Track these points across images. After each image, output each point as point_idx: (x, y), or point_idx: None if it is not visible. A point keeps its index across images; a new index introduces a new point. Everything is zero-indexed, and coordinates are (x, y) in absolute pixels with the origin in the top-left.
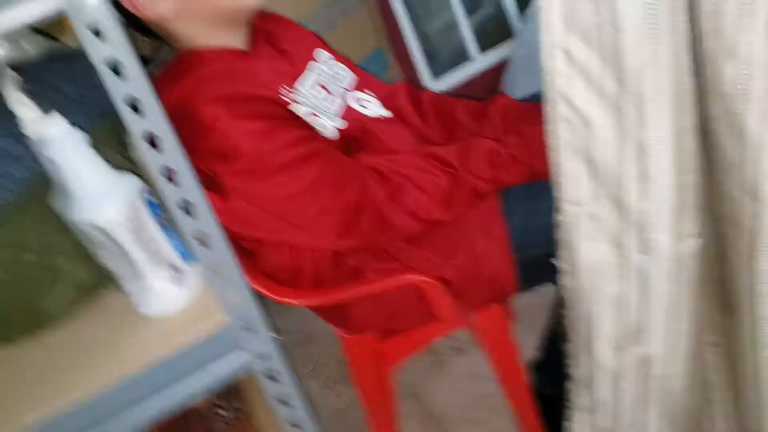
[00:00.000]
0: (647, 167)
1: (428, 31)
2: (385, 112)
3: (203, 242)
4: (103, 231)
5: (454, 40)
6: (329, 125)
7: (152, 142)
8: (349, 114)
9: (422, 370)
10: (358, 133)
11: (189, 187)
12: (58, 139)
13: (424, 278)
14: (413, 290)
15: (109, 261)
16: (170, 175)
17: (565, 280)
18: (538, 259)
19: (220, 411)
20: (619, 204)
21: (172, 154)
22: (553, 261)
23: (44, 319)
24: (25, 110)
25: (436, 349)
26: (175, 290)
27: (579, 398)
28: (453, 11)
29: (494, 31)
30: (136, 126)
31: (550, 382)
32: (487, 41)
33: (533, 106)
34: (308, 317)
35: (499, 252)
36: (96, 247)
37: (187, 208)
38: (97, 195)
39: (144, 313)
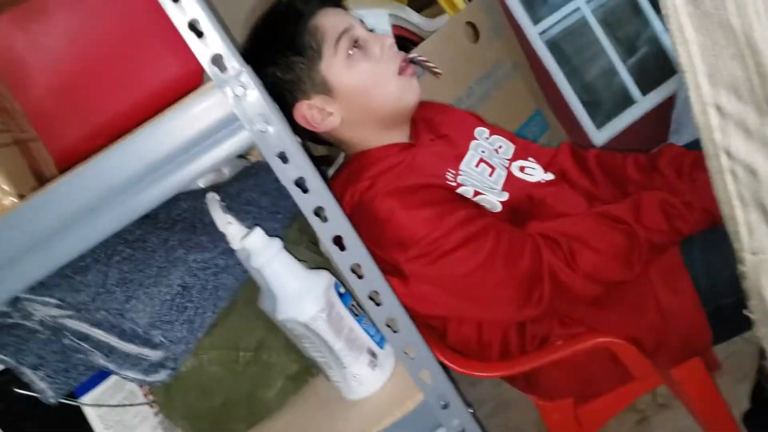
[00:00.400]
0: None
1: (586, 81)
2: (549, 177)
3: (392, 327)
4: (305, 326)
5: (614, 86)
6: (495, 200)
7: (339, 243)
8: (513, 184)
9: (627, 429)
10: (524, 202)
11: (374, 278)
12: (260, 251)
13: (613, 340)
14: (605, 353)
15: (313, 352)
16: (357, 270)
17: (760, 331)
18: (731, 308)
19: None
20: None
21: (357, 250)
22: (744, 312)
23: (262, 410)
24: (231, 228)
25: (638, 407)
26: (373, 373)
27: None
28: (609, 57)
29: (654, 70)
30: (323, 231)
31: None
32: (648, 82)
33: (702, 153)
34: (500, 385)
35: (688, 305)
36: (300, 340)
37: (374, 298)
38: (296, 294)
39: (348, 398)
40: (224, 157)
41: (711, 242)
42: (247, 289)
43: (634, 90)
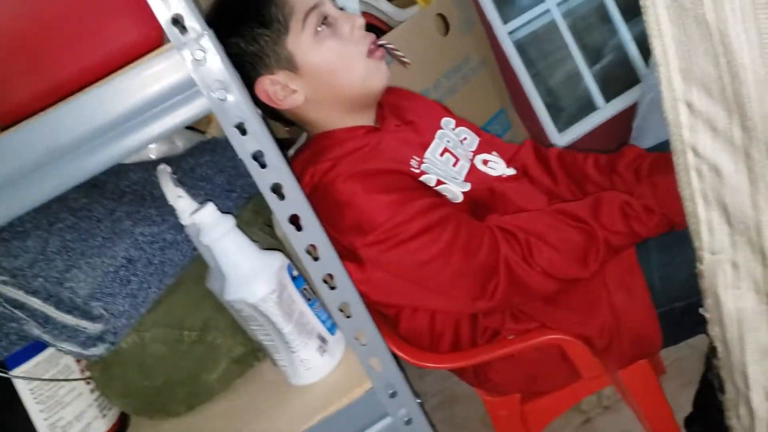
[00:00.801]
0: None
1: (551, 85)
2: (511, 171)
3: (345, 312)
4: (254, 307)
5: (577, 91)
6: (457, 191)
7: (295, 222)
8: (476, 176)
9: (572, 429)
10: (485, 195)
11: (329, 261)
12: (211, 227)
13: (564, 337)
14: (555, 350)
15: (261, 335)
16: (312, 252)
17: (713, 331)
18: (682, 312)
19: None
20: (760, 250)
21: (313, 231)
22: (700, 311)
23: (205, 393)
24: (181, 202)
25: (583, 408)
26: (322, 359)
27: None
28: (575, 62)
29: (619, 78)
30: (279, 210)
31: None
32: (612, 89)
33: (664, 156)
34: (448, 378)
35: (640, 307)
36: (248, 322)
37: (328, 281)
38: (247, 274)
39: (294, 383)
40: (179, 124)
41: (667, 245)
42: (196, 267)
43: (597, 96)
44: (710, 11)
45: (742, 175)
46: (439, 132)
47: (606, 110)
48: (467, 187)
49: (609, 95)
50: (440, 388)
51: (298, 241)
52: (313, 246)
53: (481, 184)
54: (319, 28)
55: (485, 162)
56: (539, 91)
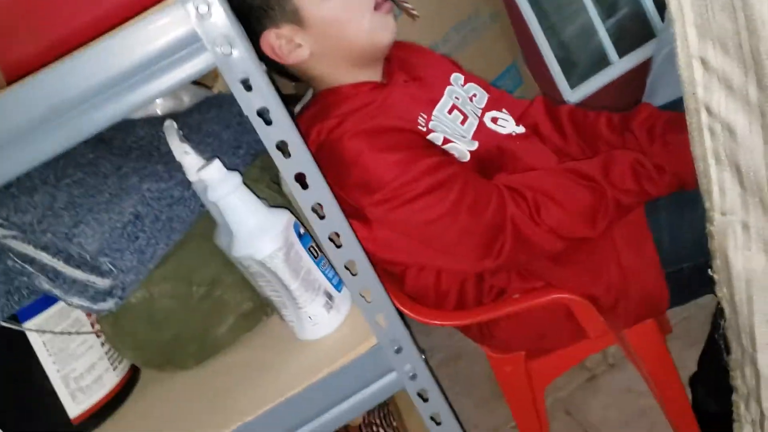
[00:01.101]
0: None
1: (564, 39)
2: (520, 130)
3: (351, 269)
4: (261, 264)
5: (591, 45)
6: (464, 149)
7: (301, 180)
8: (484, 134)
9: (576, 386)
10: (494, 153)
11: (336, 219)
12: (217, 183)
13: (571, 296)
14: (561, 309)
15: (268, 291)
16: (318, 210)
17: (721, 291)
18: (691, 272)
19: (378, 429)
20: None
21: (320, 190)
22: (709, 272)
23: (213, 346)
24: (188, 158)
25: (588, 365)
26: (329, 316)
27: (747, 411)
28: (589, 15)
29: (634, 32)
30: (285, 168)
31: (712, 397)
32: (626, 44)
33: (678, 115)
34: (453, 335)
35: (649, 267)
36: (255, 278)
37: (334, 239)
38: (254, 231)
39: (301, 338)
40: (183, 79)
41: (677, 205)
42: (204, 223)
43: (611, 51)
44: None
45: (757, 135)
46: (449, 88)
47: (620, 65)
48: (475, 145)
49: (623, 50)
50: (446, 344)
51: (304, 200)
52: (319, 204)
53: (489, 143)
54: None
55: (494, 120)
56: (551, 44)
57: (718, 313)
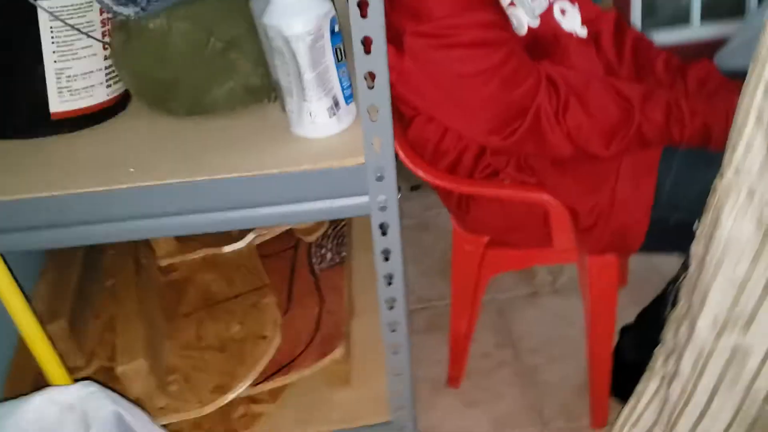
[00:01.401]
0: None
1: None
2: (582, 32)
3: (369, 81)
4: (286, 41)
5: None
6: (524, 21)
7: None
8: (548, 19)
9: (517, 295)
10: (549, 39)
11: (376, 26)
12: None
13: (556, 201)
14: (541, 211)
15: (281, 73)
16: (363, 10)
17: (696, 246)
18: (675, 225)
19: (326, 252)
20: None
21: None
22: (693, 227)
23: (208, 105)
24: None
25: (537, 283)
26: (329, 120)
27: (663, 366)
28: None
29: (725, 3)
30: None
31: (634, 347)
32: (713, 11)
33: (734, 81)
34: (429, 209)
35: (639, 205)
36: (274, 55)
37: (367, 45)
38: (293, 5)
39: (294, 132)
40: None
41: (693, 159)
42: None
43: (696, 12)
44: None
45: None
46: None
47: (697, 30)
48: (536, 23)
49: (708, 17)
50: (418, 214)
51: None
52: (365, 3)
53: (549, 29)
54: None
55: (563, 11)
56: None
57: (683, 267)
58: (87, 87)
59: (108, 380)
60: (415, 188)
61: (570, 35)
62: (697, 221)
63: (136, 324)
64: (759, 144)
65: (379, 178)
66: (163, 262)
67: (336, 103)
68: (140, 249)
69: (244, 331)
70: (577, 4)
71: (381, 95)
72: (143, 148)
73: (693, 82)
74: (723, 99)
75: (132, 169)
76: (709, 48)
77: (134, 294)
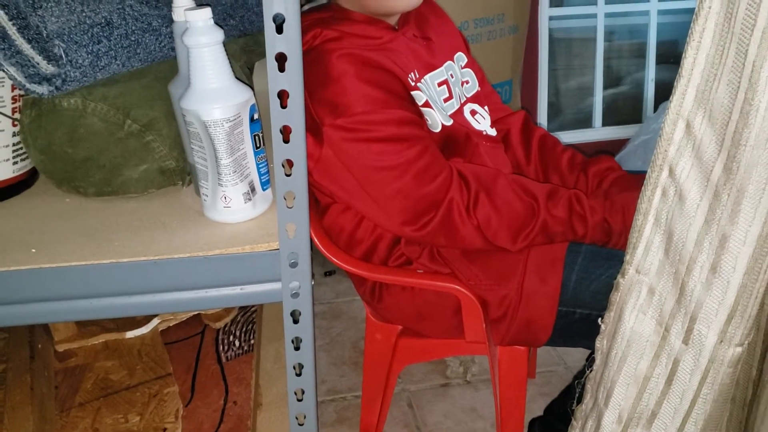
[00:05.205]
0: (721, 262)
1: (562, 85)
2: (492, 132)
3: (287, 169)
4: (204, 126)
5: (582, 104)
6: (438, 120)
7: (281, 61)
8: (460, 119)
9: (428, 386)
10: (461, 137)
11: (296, 115)
12: (199, 30)
13: (466, 292)
14: (452, 301)
15: (197, 157)
16: (283, 98)
17: (600, 342)
18: (580, 319)
19: (234, 339)
20: (681, 287)
21: (294, 79)
22: (599, 321)
23: (119, 186)
24: None
25: (448, 374)
26: (243, 205)
27: None
28: (594, 77)
29: (625, 110)
30: (272, 42)
31: None
32: (613, 117)
33: (632, 176)
34: (342, 295)
35: (546, 298)
36: (191, 139)
37: (284, 132)
38: (212, 92)
39: (207, 216)
40: None
41: (595, 257)
42: (166, 69)
43: (597, 117)
44: (754, 45)
45: (701, 213)
46: (448, 63)
47: (599, 132)
48: (450, 121)
49: (608, 121)
50: (330, 300)
51: (274, 81)
52: (286, 92)
53: (461, 128)
54: None
55: (473, 113)
56: (549, 86)
57: (588, 363)
58: None
59: None
60: (329, 273)
61: (480, 134)
62: (601, 317)
63: (25, 413)
64: (657, 245)
65: (293, 264)
66: (61, 348)
67: (252, 189)
68: (37, 333)
69: (143, 423)
70: (486, 106)
71: (298, 182)
72: (47, 227)
73: (593, 178)
74: (620, 196)
75: (33, 250)
76: (612, 145)
77: (27, 381)
